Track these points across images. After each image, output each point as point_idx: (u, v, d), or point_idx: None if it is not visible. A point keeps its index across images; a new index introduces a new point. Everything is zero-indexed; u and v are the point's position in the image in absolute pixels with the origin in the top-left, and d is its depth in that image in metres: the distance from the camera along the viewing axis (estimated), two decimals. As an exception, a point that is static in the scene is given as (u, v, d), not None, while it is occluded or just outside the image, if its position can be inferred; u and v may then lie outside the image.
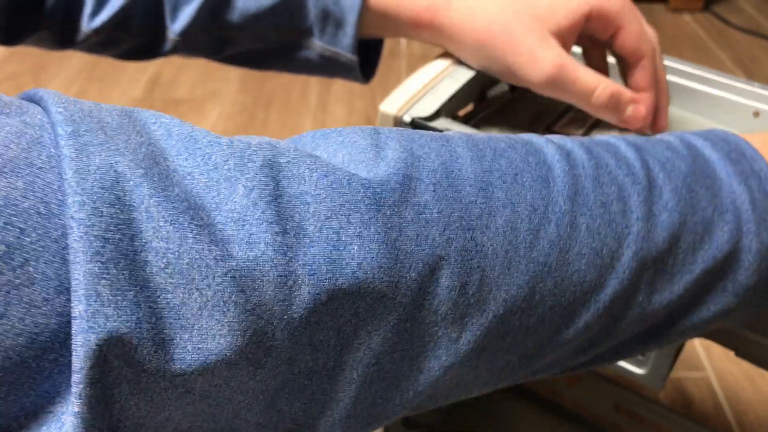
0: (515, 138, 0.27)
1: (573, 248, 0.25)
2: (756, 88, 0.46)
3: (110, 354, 0.18)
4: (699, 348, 0.89)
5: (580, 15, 0.41)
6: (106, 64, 1.45)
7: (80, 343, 0.17)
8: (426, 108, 0.42)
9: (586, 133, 0.46)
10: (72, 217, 0.18)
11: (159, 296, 0.19)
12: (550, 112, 0.48)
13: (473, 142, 0.26)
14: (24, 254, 0.17)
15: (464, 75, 0.44)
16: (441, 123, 0.41)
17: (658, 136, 0.31)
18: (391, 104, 0.42)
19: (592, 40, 0.45)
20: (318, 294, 0.21)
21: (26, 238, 0.17)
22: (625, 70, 0.43)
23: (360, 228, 0.22)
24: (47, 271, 0.18)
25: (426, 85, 0.43)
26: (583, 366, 0.29)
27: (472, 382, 0.26)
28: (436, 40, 0.45)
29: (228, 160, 0.21)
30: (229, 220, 0.20)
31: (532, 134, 0.28)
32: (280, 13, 0.46)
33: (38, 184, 0.18)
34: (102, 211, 0.18)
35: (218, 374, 0.20)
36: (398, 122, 0.41)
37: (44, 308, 0.18)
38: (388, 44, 1.64)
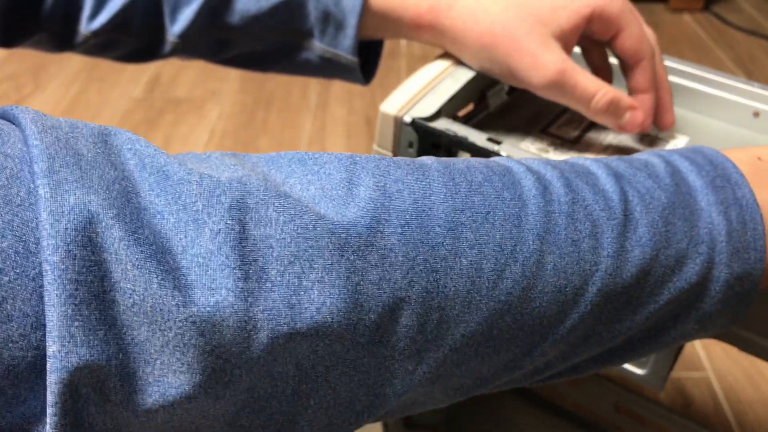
0: (494, 168, 0.27)
1: (536, 287, 0.25)
2: (756, 88, 0.46)
3: (80, 384, 0.19)
4: (699, 348, 0.89)
5: (581, 17, 0.41)
6: (106, 64, 1.45)
7: (54, 380, 0.18)
8: (426, 108, 0.42)
9: (582, 134, 0.46)
10: (46, 260, 0.19)
11: (125, 333, 0.20)
12: (548, 113, 0.48)
13: (450, 174, 0.26)
14: (2, 293, 0.18)
15: (464, 75, 0.44)
16: (441, 123, 0.41)
17: (645, 156, 0.30)
18: (392, 104, 0.42)
19: (593, 40, 0.45)
20: (275, 337, 0.21)
21: (4, 278, 0.18)
22: (625, 71, 0.43)
23: (322, 273, 0.22)
24: (24, 309, 0.18)
25: (426, 86, 0.43)
26: (540, 382, 0.30)
27: (425, 401, 0.27)
28: (438, 42, 0.45)
29: (197, 201, 0.21)
30: (193, 265, 0.21)
31: (512, 161, 0.28)
32: (280, 15, 0.46)
33: (16, 222, 0.19)
34: (75, 254, 0.19)
35: (179, 407, 0.21)
36: (399, 122, 0.41)
37: (21, 343, 0.18)
38: (388, 44, 1.63)
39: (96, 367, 0.19)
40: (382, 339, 0.23)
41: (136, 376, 0.20)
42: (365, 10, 0.44)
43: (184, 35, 0.47)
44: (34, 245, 0.19)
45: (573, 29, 0.41)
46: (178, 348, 0.20)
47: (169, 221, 0.21)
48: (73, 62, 1.48)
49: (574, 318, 0.26)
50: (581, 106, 0.41)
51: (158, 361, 0.20)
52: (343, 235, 0.23)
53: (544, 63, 0.40)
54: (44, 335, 0.19)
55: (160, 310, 0.20)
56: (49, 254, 0.19)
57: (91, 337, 0.19)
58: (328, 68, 0.49)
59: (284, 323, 0.21)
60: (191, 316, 0.20)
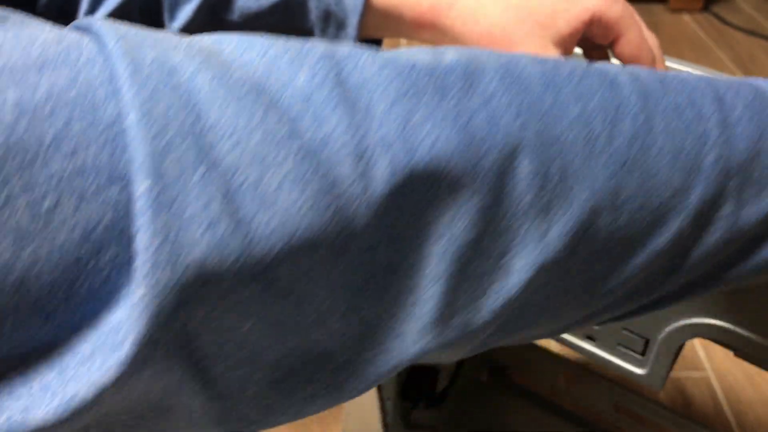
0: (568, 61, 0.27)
1: (653, 146, 0.24)
2: (756, 89, 0.46)
3: (181, 237, 0.17)
4: (699, 348, 0.89)
5: (580, 22, 0.41)
6: (106, 64, 1.45)
7: (147, 221, 0.16)
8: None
9: None
10: (129, 102, 0.17)
11: (232, 176, 0.18)
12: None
13: (532, 55, 0.26)
14: (73, 142, 0.16)
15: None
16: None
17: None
18: (392, 104, 0.42)
19: (593, 43, 0.45)
20: (395, 170, 0.20)
21: (74, 126, 0.17)
22: None
23: (428, 111, 0.21)
24: (97, 160, 0.17)
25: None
26: (670, 299, 0.28)
27: (565, 293, 0.25)
28: (438, 41, 0.45)
29: (287, 52, 0.20)
30: (295, 101, 0.19)
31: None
32: (280, 13, 0.46)
33: (81, 78, 0.17)
34: (161, 96, 0.17)
35: (302, 259, 0.19)
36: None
37: (97, 199, 0.16)
38: (388, 44, 1.63)
39: (196, 212, 0.17)
40: (505, 189, 0.22)
41: (252, 224, 0.18)
42: (367, 9, 0.45)
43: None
44: (102, 99, 0.17)
45: (572, 34, 0.41)
46: (296, 183, 0.18)
47: (260, 68, 0.20)
48: (72, 62, 1.48)
49: (699, 188, 0.25)
50: None
51: (277, 202, 0.18)
52: (441, 78, 0.22)
53: None
54: (122, 190, 0.17)
55: (270, 141, 0.18)
56: (132, 96, 0.17)
57: (188, 177, 0.17)
58: None
59: (402, 153, 0.20)
60: (302, 147, 0.19)
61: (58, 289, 0.16)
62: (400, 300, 0.22)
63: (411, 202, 0.21)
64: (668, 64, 0.48)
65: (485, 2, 0.42)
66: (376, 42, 0.50)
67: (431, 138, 0.21)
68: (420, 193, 0.21)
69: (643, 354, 0.46)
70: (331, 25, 0.46)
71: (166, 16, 0.47)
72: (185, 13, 0.46)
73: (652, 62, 0.42)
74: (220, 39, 0.21)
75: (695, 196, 0.25)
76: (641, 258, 0.25)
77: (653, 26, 1.72)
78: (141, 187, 0.17)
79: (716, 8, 1.80)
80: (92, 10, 0.47)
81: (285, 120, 0.19)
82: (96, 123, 0.17)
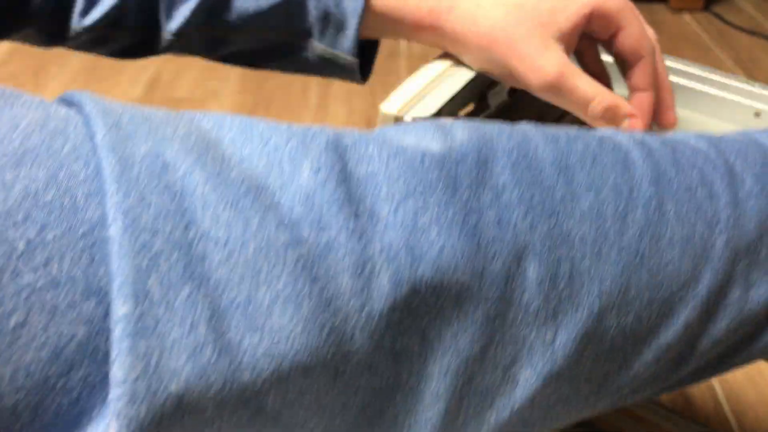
0: (584, 128, 0.26)
1: (664, 235, 0.23)
2: (757, 88, 0.46)
3: (163, 366, 0.15)
4: (699, 348, 0.89)
5: (581, 17, 0.41)
6: (106, 64, 1.44)
7: (126, 349, 0.15)
8: (427, 108, 0.41)
9: None
10: (115, 207, 0.16)
11: (221, 293, 0.16)
12: (550, 113, 0.48)
13: (542, 128, 0.25)
14: (46, 252, 0.15)
15: (465, 75, 0.44)
16: (441, 123, 0.41)
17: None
18: (392, 104, 0.42)
19: (589, 39, 0.45)
20: (398, 284, 0.19)
21: (49, 234, 0.15)
22: (625, 69, 0.43)
23: (437, 210, 0.20)
24: (73, 272, 0.15)
25: (427, 86, 0.43)
26: (684, 382, 0.27)
27: (572, 399, 0.24)
28: (438, 43, 0.45)
29: (289, 142, 0.19)
30: (296, 202, 0.18)
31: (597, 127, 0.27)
32: (279, 14, 0.46)
33: (62, 175, 0.16)
34: (150, 201, 0.16)
35: (293, 384, 0.17)
36: (399, 122, 0.41)
37: (70, 315, 0.15)
38: (388, 44, 1.63)
39: (179, 336, 0.16)
40: (512, 296, 0.21)
41: (240, 347, 0.16)
42: (367, 11, 0.44)
43: (180, 32, 0.47)
44: (83, 200, 0.16)
45: (573, 30, 0.41)
46: (290, 301, 0.17)
47: (260, 163, 0.18)
48: (73, 62, 1.48)
49: (708, 276, 0.24)
50: (578, 110, 0.41)
51: (267, 325, 0.17)
52: (453, 170, 0.21)
53: (543, 65, 0.40)
54: (98, 305, 0.15)
55: (266, 254, 0.17)
56: (118, 200, 0.16)
57: (173, 298, 0.16)
58: (326, 67, 0.48)
59: (405, 265, 0.19)
60: (302, 257, 0.17)
61: (22, 411, 0.15)
62: (399, 421, 0.20)
63: (413, 317, 0.19)
64: (669, 63, 0.48)
65: (485, 4, 0.42)
66: (374, 41, 0.50)
67: (438, 246, 0.19)
68: (423, 306, 0.19)
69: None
70: (331, 26, 0.46)
71: (162, 16, 0.47)
72: (182, 12, 0.46)
73: (652, 54, 0.42)
74: (220, 123, 0.20)
75: (704, 285, 0.24)
76: (649, 354, 0.24)
77: (654, 26, 1.71)
78: (121, 310, 0.15)
79: (717, 8, 1.79)
80: (87, 10, 0.46)
81: (284, 225, 0.18)
82: (74, 228, 0.16)
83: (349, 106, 1.38)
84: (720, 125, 0.48)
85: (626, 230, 0.23)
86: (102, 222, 0.16)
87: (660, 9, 1.80)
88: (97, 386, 0.15)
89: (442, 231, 0.20)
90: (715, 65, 1.52)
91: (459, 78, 0.44)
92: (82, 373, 0.15)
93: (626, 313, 0.23)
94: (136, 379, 0.15)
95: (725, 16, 1.75)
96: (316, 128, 0.20)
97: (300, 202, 0.18)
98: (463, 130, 0.23)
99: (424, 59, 0.47)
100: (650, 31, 0.44)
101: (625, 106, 0.41)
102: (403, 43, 1.59)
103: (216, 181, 0.17)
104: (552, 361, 0.22)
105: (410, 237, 0.19)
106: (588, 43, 0.46)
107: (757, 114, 0.46)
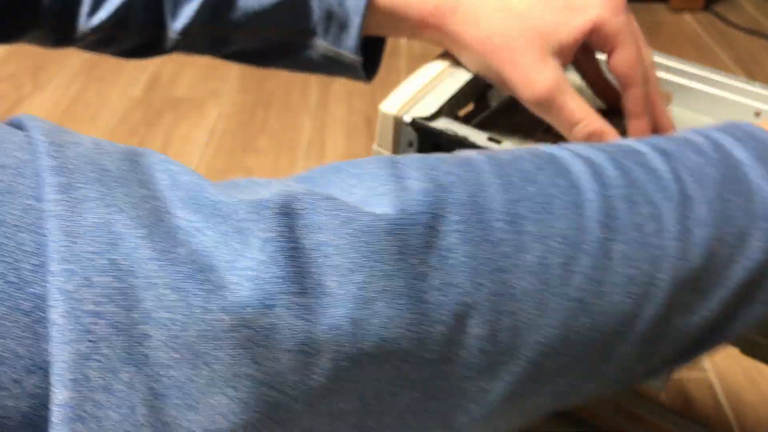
0: (540, 155, 0.26)
1: (608, 279, 0.24)
2: (757, 88, 0.46)
3: None
4: (699, 348, 0.89)
5: (582, 33, 0.41)
6: (106, 64, 1.45)
7: None
8: (426, 108, 0.41)
9: None
10: (58, 289, 0.16)
11: (161, 374, 0.17)
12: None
13: (499, 164, 0.24)
14: None
15: (465, 75, 0.44)
16: (441, 123, 0.41)
17: (685, 135, 0.30)
18: (392, 104, 0.42)
19: (587, 49, 0.45)
20: (339, 361, 0.19)
21: None
22: (621, 89, 0.43)
23: (384, 281, 0.20)
24: (17, 349, 0.16)
25: (426, 85, 0.43)
26: (617, 390, 0.28)
27: (501, 426, 0.25)
28: (438, 42, 0.45)
29: (238, 211, 0.19)
30: (243, 280, 0.18)
31: (554, 147, 0.27)
32: (283, 13, 0.46)
33: (9, 247, 0.16)
34: (93, 281, 0.16)
35: None
36: (398, 122, 0.41)
37: (14, 390, 0.16)
38: (388, 44, 1.63)
39: (119, 419, 0.16)
40: (452, 354, 0.21)
41: (178, 424, 0.17)
42: (370, 9, 0.44)
43: (186, 31, 0.47)
44: (29, 274, 0.16)
45: (573, 44, 0.41)
46: (229, 382, 0.17)
47: (209, 236, 0.18)
48: (72, 62, 1.48)
49: (650, 312, 0.25)
50: (564, 129, 0.41)
51: (204, 404, 0.17)
52: (401, 236, 0.20)
53: (536, 80, 0.40)
54: (42, 380, 0.16)
55: (207, 338, 0.17)
56: (62, 282, 0.16)
57: (113, 381, 0.16)
58: (330, 66, 0.48)
59: (348, 343, 0.19)
60: (244, 340, 0.17)
61: None
62: None
63: (352, 386, 0.20)
64: (669, 63, 0.48)
65: (489, 9, 0.42)
66: (380, 39, 0.50)
67: (384, 317, 0.19)
68: (362, 376, 0.20)
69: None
70: (334, 25, 0.46)
71: (168, 15, 0.47)
72: (187, 12, 0.46)
73: (644, 80, 0.42)
74: (176, 180, 0.19)
75: (645, 320, 0.25)
76: (582, 386, 0.25)
77: (655, 26, 1.71)
78: (59, 396, 0.16)
79: (718, 8, 1.79)
80: (94, 10, 0.46)
81: (228, 309, 0.17)
82: (19, 305, 0.16)
83: (349, 105, 1.38)
84: (720, 125, 0.48)
85: (570, 279, 0.23)
86: (45, 302, 0.16)
87: (660, 9, 1.80)
88: None
89: (390, 303, 0.20)
90: (715, 65, 1.52)
91: (459, 78, 0.44)
92: None
93: (564, 356, 0.24)
94: None
95: (726, 16, 1.75)
96: (267, 197, 0.20)
97: (247, 280, 0.18)
98: (416, 176, 0.22)
99: (424, 59, 0.46)
100: (648, 54, 0.43)
101: (611, 134, 0.41)
102: (403, 43, 1.59)
103: (163, 260, 0.17)
104: (487, 407, 0.23)
105: (356, 311, 0.19)
106: (587, 50, 0.45)
107: (758, 114, 0.46)
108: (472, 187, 0.23)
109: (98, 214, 0.17)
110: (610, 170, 0.26)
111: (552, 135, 0.46)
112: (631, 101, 0.42)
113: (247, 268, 0.18)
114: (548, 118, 0.41)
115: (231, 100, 1.39)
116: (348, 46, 0.46)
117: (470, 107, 0.48)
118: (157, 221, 0.18)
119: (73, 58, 1.47)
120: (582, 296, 0.23)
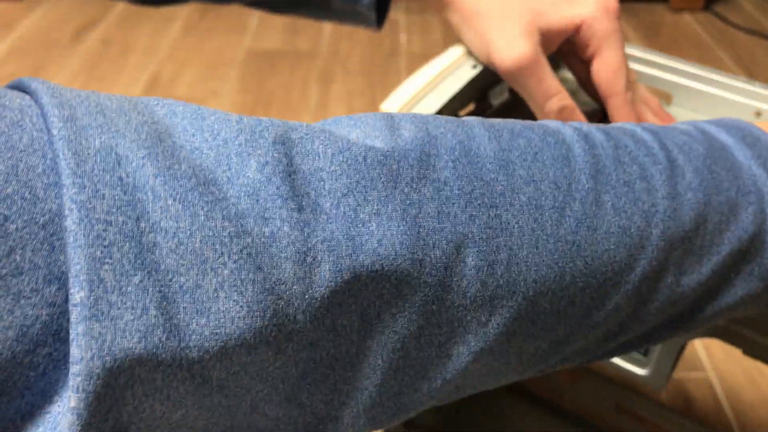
0: (530, 123, 0.27)
1: (600, 227, 0.24)
2: (757, 88, 0.46)
3: (116, 346, 0.17)
4: (700, 348, 0.89)
5: (572, 24, 0.42)
6: (106, 64, 1.45)
7: (82, 331, 0.16)
8: (427, 108, 0.41)
9: None
10: (71, 199, 0.17)
11: (171, 279, 0.18)
12: (551, 112, 0.48)
13: (489, 123, 0.26)
14: (9, 242, 0.16)
15: (465, 74, 0.44)
16: (442, 123, 0.41)
17: (670, 124, 0.31)
18: (392, 104, 0.42)
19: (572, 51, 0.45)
20: (339, 271, 0.20)
21: (11, 225, 0.16)
22: (603, 99, 0.43)
23: (377, 205, 0.21)
24: (35, 260, 0.17)
25: (427, 85, 0.43)
26: (612, 353, 0.29)
27: (502, 370, 0.26)
28: (439, 5, 0.46)
29: (238, 136, 0.20)
30: (242, 194, 0.19)
31: (545, 120, 0.28)
32: None
33: (21, 167, 0.17)
34: (104, 194, 0.17)
35: (237, 360, 0.19)
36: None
37: (33, 299, 0.17)
38: (388, 44, 1.63)
39: (132, 318, 0.17)
40: (451, 282, 0.22)
41: (188, 328, 0.18)
42: None
43: None
44: (42, 191, 0.17)
45: (560, 32, 0.42)
46: (234, 287, 0.18)
47: (209, 156, 0.19)
48: (72, 62, 1.48)
49: (643, 264, 0.25)
50: (537, 103, 0.42)
51: (212, 310, 0.18)
52: (394, 167, 0.22)
53: (518, 46, 0.41)
54: (59, 289, 0.17)
55: (212, 244, 0.18)
56: (75, 193, 0.17)
57: (125, 285, 0.17)
58: (344, 16, 0.50)
59: (346, 255, 0.20)
60: (246, 247, 0.18)
61: None
62: (338, 388, 0.22)
63: (353, 301, 0.21)
64: (669, 63, 0.48)
65: None
66: (385, 3, 0.51)
67: (377, 236, 0.21)
68: (363, 292, 0.21)
69: (645, 354, 0.46)
70: None
71: None
72: None
73: (623, 92, 0.42)
74: (172, 111, 0.21)
75: (637, 272, 0.26)
76: (579, 332, 0.26)
77: (654, 26, 1.71)
78: (77, 296, 0.17)
79: (717, 7, 1.79)
80: None
81: (230, 217, 0.19)
82: (35, 219, 0.17)
83: (349, 106, 1.38)
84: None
85: (563, 221, 0.24)
86: (61, 212, 0.17)
87: (660, 9, 1.80)
88: (61, 361, 0.17)
89: (382, 223, 0.21)
90: (715, 65, 1.52)
91: (459, 77, 0.44)
92: (46, 350, 0.17)
93: (560, 298, 0.24)
94: (92, 358, 0.17)
95: (726, 16, 1.75)
96: (266, 122, 0.21)
97: (246, 195, 0.19)
98: (409, 126, 0.24)
99: (424, 58, 0.47)
100: (631, 72, 0.44)
101: (581, 116, 0.42)
102: (403, 42, 1.59)
103: (166, 175, 0.18)
104: (485, 340, 0.23)
105: (351, 228, 0.20)
106: (570, 48, 0.46)
107: (758, 114, 0.46)
108: (461, 136, 0.24)
109: (101, 139, 0.18)
110: (598, 135, 0.27)
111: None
112: (614, 109, 0.42)
113: (246, 185, 0.19)
114: (523, 91, 0.42)
115: (231, 100, 1.39)
116: (364, 3, 0.47)
117: (471, 107, 0.48)
118: (157, 142, 0.19)
119: (74, 58, 1.47)
120: (576, 239, 0.24)
